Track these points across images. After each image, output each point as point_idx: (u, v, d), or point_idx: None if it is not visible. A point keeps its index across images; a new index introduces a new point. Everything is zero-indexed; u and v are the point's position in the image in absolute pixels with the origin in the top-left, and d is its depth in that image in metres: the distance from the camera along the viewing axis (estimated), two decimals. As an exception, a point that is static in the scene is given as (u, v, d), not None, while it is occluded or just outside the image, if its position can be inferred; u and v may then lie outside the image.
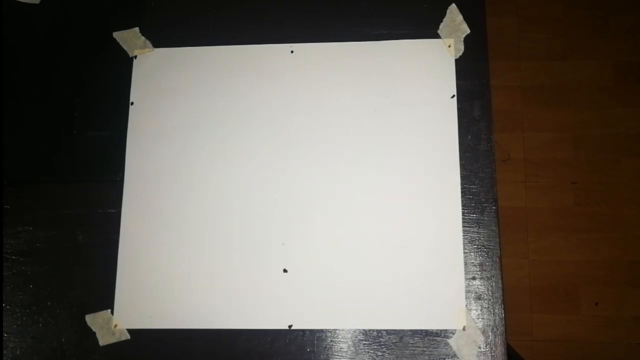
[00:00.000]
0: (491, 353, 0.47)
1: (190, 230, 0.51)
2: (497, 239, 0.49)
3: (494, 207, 0.49)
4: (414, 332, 0.47)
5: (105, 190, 0.52)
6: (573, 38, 1.23)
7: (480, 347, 0.47)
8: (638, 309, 1.12)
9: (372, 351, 0.47)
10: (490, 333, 0.47)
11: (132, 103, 0.54)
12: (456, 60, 0.52)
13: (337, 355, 0.48)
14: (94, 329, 0.49)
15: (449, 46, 0.52)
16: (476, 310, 0.47)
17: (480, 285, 0.48)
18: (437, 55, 0.52)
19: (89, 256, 0.51)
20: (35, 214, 0.52)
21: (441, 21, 0.53)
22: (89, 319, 0.49)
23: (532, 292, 1.14)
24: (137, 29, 0.55)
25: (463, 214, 0.49)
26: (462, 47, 0.52)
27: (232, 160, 0.52)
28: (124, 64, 0.55)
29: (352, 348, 0.48)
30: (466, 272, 0.48)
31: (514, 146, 1.20)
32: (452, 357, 0.47)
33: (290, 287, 0.49)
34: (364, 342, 0.48)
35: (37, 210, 0.52)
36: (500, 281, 0.48)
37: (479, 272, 0.48)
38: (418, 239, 0.49)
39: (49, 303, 0.50)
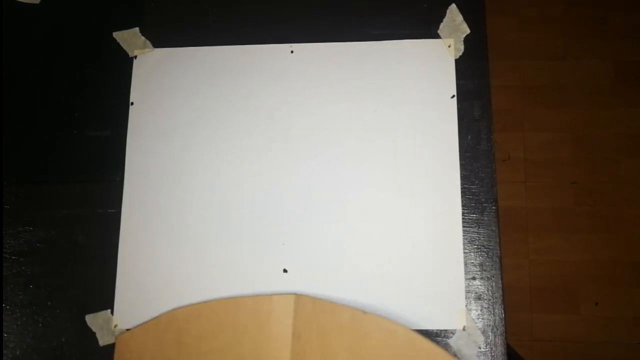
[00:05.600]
0: (491, 353, 0.47)
1: (190, 230, 0.51)
2: (497, 239, 0.49)
3: (494, 207, 0.49)
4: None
5: (105, 190, 0.52)
6: (573, 38, 1.23)
7: (480, 347, 0.47)
8: (638, 309, 1.12)
9: (372, 351, 0.47)
10: (490, 333, 0.47)
11: (132, 103, 0.54)
12: (456, 60, 0.52)
13: (337, 355, 0.48)
14: (93, 329, 0.49)
15: (449, 46, 0.52)
16: (476, 310, 0.47)
17: (480, 285, 0.48)
18: (437, 55, 0.52)
19: (88, 256, 0.51)
20: (35, 214, 0.52)
21: (441, 21, 0.53)
22: (89, 319, 0.49)
23: (532, 292, 1.14)
24: (137, 29, 0.55)
25: (463, 214, 0.49)
26: (462, 47, 0.52)
27: (232, 160, 0.52)
28: (123, 64, 0.55)
29: (352, 348, 0.48)
30: (466, 272, 0.48)
31: (514, 146, 1.20)
32: (452, 357, 0.47)
33: (290, 287, 0.49)
34: (364, 342, 0.48)
35: (37, 211, 0.52)
36: (500, 281, 0.48)
37: (479, 272, 0.48)
38: (418, 239, 0.49)
39: (48, 303, 0.50)
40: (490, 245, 0.49)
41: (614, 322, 1.12)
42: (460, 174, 0.50)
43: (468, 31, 0.53)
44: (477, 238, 0.49)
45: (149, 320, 0.45)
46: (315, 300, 0.43)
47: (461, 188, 0.50)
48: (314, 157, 0.51)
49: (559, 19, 1.24)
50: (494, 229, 0.49)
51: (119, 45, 0.55)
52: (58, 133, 0.54)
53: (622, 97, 1.20)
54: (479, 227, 0.49)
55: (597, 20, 1.24)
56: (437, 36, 0.53)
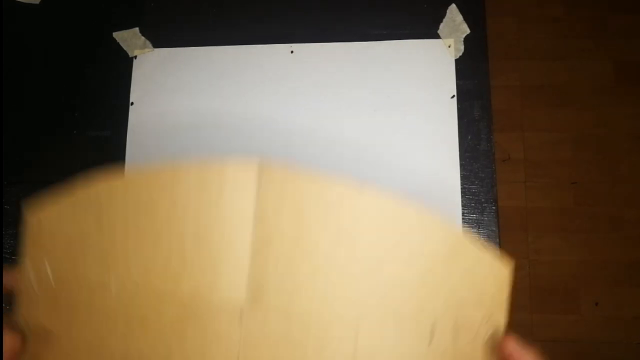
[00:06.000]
0: (491, 353, 0.47)
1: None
2: (497, 239, 0.49)
3: (494, 207, 0.49)
4: (414, 332, 0.47)
5: (105, 191, 0.52)
6: (573, 38, 1.23)
7: (480, 347, 0.47)
8: (638, 309, 1.12)
9: (372, 351, 0.47)
10: (490, 333, 0.47)
11: (132, 103, 0.54)
12: (456, 61, 0.52)
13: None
14: (94, 329, 0.49)
15: (449, 46, 0.52)
16: (476, 310, 0.47)
17: (480, 286, 0.48)
18: (437, 56, 0.52)
19: (89, 256, 0.51)
20: (35, 214, 0.52)
21: (441, 21, 0.53)
22: (89, 319, 0.49)
23: (532, 292, 1.14)
24: (137, 29, 0.55)
25: (463, 214, 0.49)
26: (462, 47, 0.52)
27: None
28: (123, 64, 0.55)
29: (352, 348, 0.48)
30: (466, 272, 0.48)
31: (514, 146, 1.20)
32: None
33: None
34: (364, 342, 0.48)
35: (37, 211, 0.52)
36: (500, 281, 0.48)
37: (479, 272, 0.48)
38: (418, 239, 0.49)
39: (49, 303, 0.50)
40: (491, 246, 0.49)
41: (614, 322, 1.12)
42: (460, 174, 0.50)
43: (468, 31, 0.53)
44: (477, 238, 0.49)
45: (64, 197, 0.33)
46: (287, 172, 0.31)
47: (461, 188, 0.50)
48: (313, 157, 0.51)
49: (559, 19, 1.24)
50: (494, 229, 0.49)
51: (119, 46, 0.55)
52: (58, 133, 0.54)
53: (622, 97, 1.20)
54: (479, 228, 0.49)
55: (597, 20, 1.24)
56: (437, 36, 0.53)
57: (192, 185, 0.31)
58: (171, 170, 0.31)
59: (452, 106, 0.51)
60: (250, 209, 0.31)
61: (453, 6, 0.53)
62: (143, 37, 0.55)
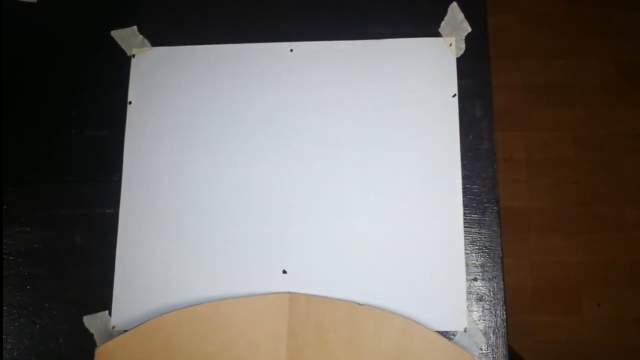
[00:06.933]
0: (493, 355, 0.46)
1: (188, 230, 0.50)
2: (499, 240, 0.48)
3: (495, 208, 0.49)
4: (415, 334, 0.47)
5: (102, 190, 0.52)
6: (575, 36, 1.22)
7: (481, 349, 0.46)
8: (641, 310, 1.11)
9: (372, 353, 0.47)
10: (491, 335, 0.46)
11: (129, 102, 0.54)
12: (457, 59, 0.52)
13: (337, 357, 0.47)
14: (91, 331, 0.49)
15: (450, 45, 0.52)
16: (477, 311, 0.47)
17: (482, 287, 0.47)
18: (438, 54, 0.52)
19: (86, 257, 0.51)
20: (32, 215, 0.52)
21: (442, 19, 0.53)
22: (87, 320, 0.49)
23: (534, 293, 1.13)
24: (135, 27, 0.55)
25: (464, 214, 0.49)
26: (463, 46, 0.52)
27: (230, 160, 0.51)
28: (121, 63, 0.54)
29: (352, 350, 0.47)
30: (468, 273, 0.48)
31: (516, 146, 1.19)
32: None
33: (289, 288, 0.48)
34: (364, 344, 0.47)
35: (34, 211, 0.52)
36: (502, 282, 0.48)
37: (480, 273, 0.48)
38: (419, 240, 0.48)
39: (46, 304, 0.50)
40: (492, 246, 0.48)
41: (616, 323, 1.11)
42: (462, 174, 0.49)
43: (469, 30, 0.52)
44: (479, 239, 0.48)
45: (133, 328, 0.45)
46: (310, 298, 0.44)
47: (462, 188, 0.49)
48: (313, 156, 0.51)
49: (560, 17, 1.24)
50: (495, 229, 0.48)
51: (117, 44, 0.55)
52: (55, 133, 0.53)
53: (625, 96, 1.20)
54: (480, 228, 0.48)
55: (599, 19, 1.23)
56: (438, 35, 0.52)
57: (243, 314, 0.43)
58: (227, 303, 0.43)
59: (454, 105, 0.51)
60: (285, 328, 0.43)
61: (454, 4, 0.53)
62: (141, 36, 0.55)
